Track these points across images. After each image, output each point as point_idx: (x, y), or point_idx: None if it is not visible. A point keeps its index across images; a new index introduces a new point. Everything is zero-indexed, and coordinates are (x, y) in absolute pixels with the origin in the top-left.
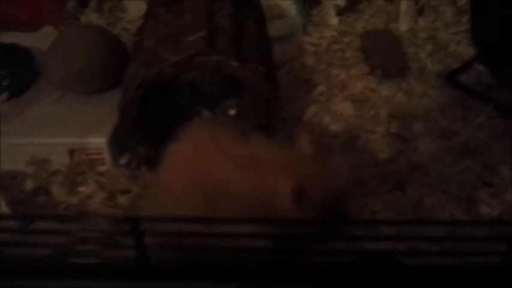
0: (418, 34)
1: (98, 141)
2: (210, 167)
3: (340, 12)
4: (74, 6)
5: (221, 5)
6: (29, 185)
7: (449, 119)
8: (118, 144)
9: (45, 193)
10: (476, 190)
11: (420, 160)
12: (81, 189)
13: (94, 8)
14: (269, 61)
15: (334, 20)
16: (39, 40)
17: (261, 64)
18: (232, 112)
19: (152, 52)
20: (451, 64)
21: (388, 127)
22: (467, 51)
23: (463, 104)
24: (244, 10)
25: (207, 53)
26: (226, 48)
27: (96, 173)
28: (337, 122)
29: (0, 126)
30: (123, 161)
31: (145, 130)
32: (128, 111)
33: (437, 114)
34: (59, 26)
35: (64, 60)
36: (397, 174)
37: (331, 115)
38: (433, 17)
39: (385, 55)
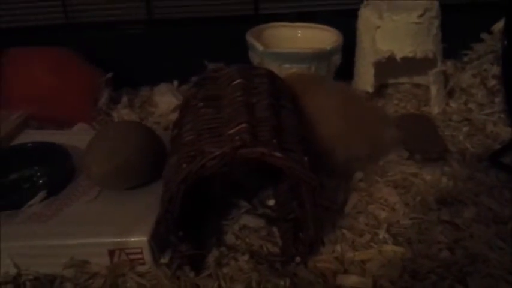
0: (451, 117)
1: (139, 240)
2: None
3: (368, 98)
4: (106, 102)
5: (259, 97)
6: None
7: (499, 202)
8: (159, 242)
9: None
10: None
11: (478, 249)
12: None
13: (125, 103)
14: (309, 150)
15: None
16: (73, 137)
17: (304, 154)
18: (271, 203)
19: (194, 146)
20: (491, 145)
21: (438, 214)
22: (505, 132)
23: (510, 187)
24: (281, 101)
25: (251, 144)
26: (269, 139)
27: (137, 274)
28: (382, 209)
29: (37, 227)
30: (164, 260)
31: (187, 227)
32: (171, 206)
33: (486, 199)
34: (91, 123)
35: (104, 157)
36: (457, 266)
37: (375, 202)
38: (463, 99)
39: (423, 139)
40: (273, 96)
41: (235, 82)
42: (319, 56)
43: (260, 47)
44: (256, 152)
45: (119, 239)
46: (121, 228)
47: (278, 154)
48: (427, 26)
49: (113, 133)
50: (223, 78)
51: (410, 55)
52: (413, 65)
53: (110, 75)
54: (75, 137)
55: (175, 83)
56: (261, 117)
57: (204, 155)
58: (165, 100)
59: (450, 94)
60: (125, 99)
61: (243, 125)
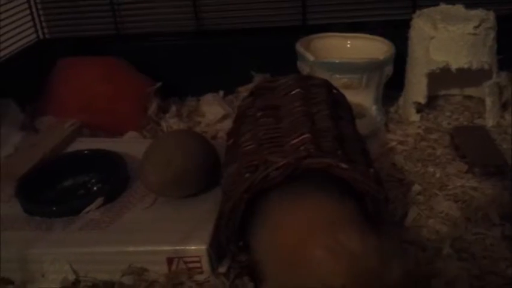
0: (507, 129)
1: (198, 249)
2: None
3: (419, 109)
4: (155, 111)
5: (319, 107)
6: None
7: None
8: (217, 251)
9: None
10: None
11: None
12: None
13: (174, 113)
14: (371, 162)
15: (415, 117)
16: (124, 145)
17: (367, 166)
18: None
19: (255, 155)
20: None
21: (502, 229)
22: None
23: None
24: (339, 112)
25: (316, 155)
26: (334, 150)
27: (195, 283)
28: (443, 223)
29: (96, 233)
30: (222, 269)
31: (245, 236)
32: (233, 215)
33: None
34: (141, 131)
35: (162, 165)
36: None
37: (436, 216)
38: None
39: (481, 152)
40: (332, 106)
41: (293, 92)
42: (372, 67)
43: (311, 57)
44: (323, 163)
45: (177, 247)
46: (179, 236)
47: (344, 166)
48: (483, 37)
49: (170, 141)
50: (280, 88)
51: (466, 66)
52: (465, 77)
53: (159, 84)
54: (127, 145)
55: (221, 93)
56: (322, 127)
57: (267, 165)
58: (212, 110)
59: (504, 106)
60: (173, 108)
61: (306, 135)
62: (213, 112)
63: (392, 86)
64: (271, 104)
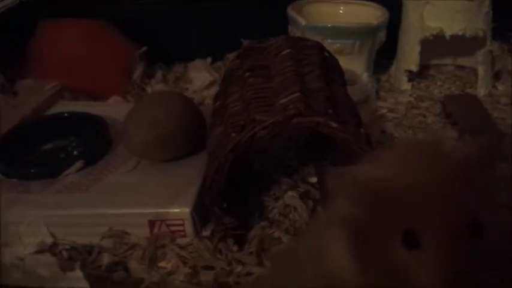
0: (499, 99)
1: (181, 211)
2: None
3: (411, 78)
4: (140, 76)
5: (310, 68)
6: (106, 260)
7: None
8: (201, 214)
9: (124, 269)
10: None
11: None
12: (162, 264)
13: (159, 78)
14: (362, 123)
15: (406, 86)
16: (107, 109)
17: (358, 127)
18: (313, 180)
19: (242, 115)
20: None
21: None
22: None
23: None
24: (331, 74)
25: (306, 114)
26: (324, 109)
27: (177, 246)
28: None
29: (75, 196)
30: (206, 233)
31: (230, 199)
32: (218, 176)
33: None
34: (125, 96)
35: (145, 125)
36: None
37: None
38: (510, 81)
39: (472, 120)
40: (324, 68)
41: (283, 52)
42: (365, 32)
43: (303, 21)
44: (312, 121)
45: (159, 210)
46: (162, 199)
47: (334, 124)
48: (478, 3)
49: (154, 102)
50: (270, 48)
51: (460, 33)
52: (458, 46)
53: (144, 49)
54: (110, 109)
55: (209, 59)
56: (313, 87)
57: (255, 124)
58: (200, 76)
59: (497, 76)
60: (159, 74)
61: (296, 94)
62: (201, 78)
63: (384, 54)
64: (260, 64)
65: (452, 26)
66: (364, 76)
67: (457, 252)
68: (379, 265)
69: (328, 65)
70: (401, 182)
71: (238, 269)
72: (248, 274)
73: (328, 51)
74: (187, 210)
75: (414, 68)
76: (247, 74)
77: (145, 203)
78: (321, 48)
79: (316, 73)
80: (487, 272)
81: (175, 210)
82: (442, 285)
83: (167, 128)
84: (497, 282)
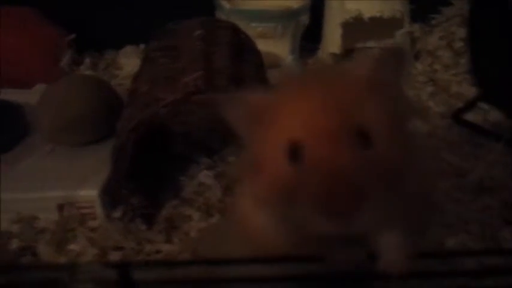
0: (417, 78)
1: (89, 194)
2: None
3: (337, 61)
4: (68, 64)
5: (219, 47)
6: (14, 244)
7: (460, 157)
8: (111, 196)
9: (32, 253)
10: (499, 229)
11: (436, 200)
12: (71, 247)
13: (88, 65)
14: None
15: None
16: (30, 97)
17: None
18: (232, 159)
19: (148, 95)
20: (455, 105)
21: None
22: (470, 91)
23: (472, 142)
24: (243, 55)
25: (204, 90)
26: (226, 86)
27: (87, 229)
28: None
29: None
30: (117, 214)
31: (140, 180)
32: (122, 156)
33: (447, 153)
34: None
35: (55, 112)
36: None
37: None
38: (429, 60)
39: None
40: (236, 48)
41: (195, 33)
42: (286, 15)
43: (226, 5)
44: (211, 98)
45: (68, 193)
46: (71, 183)
47: None
48: None
49: (65, 86)
50: (183, 29)
51: (378, 15)
52: (381, 28)
53: (72, 36)
54: (34, 97)
55: (142, 46)
56: (218, 66)
57: (156, 103)
58: (131, 62)
59: (416, 57)
60: (87, 60)
61: (199, 73)
62: (131, 64)
63: (314, 39)
64: (171, 45)
65: (371, 8)
66: (289, 59)
67: (339, 162)
68: (274, 187)
69: (243, 46)
70: (287, 99)
71: (147, 247)
72: (158, 252)
73: (244, 33)
74: (95, 192)
75: (337, 50)
76: (158, 54)
77: (54, 186)
78: (235, 29)
79: (225, 52)
80: (373, 183)
81: (84, 193)
82: (322, 196)
83: (77, 112)
84: (382, 193)
